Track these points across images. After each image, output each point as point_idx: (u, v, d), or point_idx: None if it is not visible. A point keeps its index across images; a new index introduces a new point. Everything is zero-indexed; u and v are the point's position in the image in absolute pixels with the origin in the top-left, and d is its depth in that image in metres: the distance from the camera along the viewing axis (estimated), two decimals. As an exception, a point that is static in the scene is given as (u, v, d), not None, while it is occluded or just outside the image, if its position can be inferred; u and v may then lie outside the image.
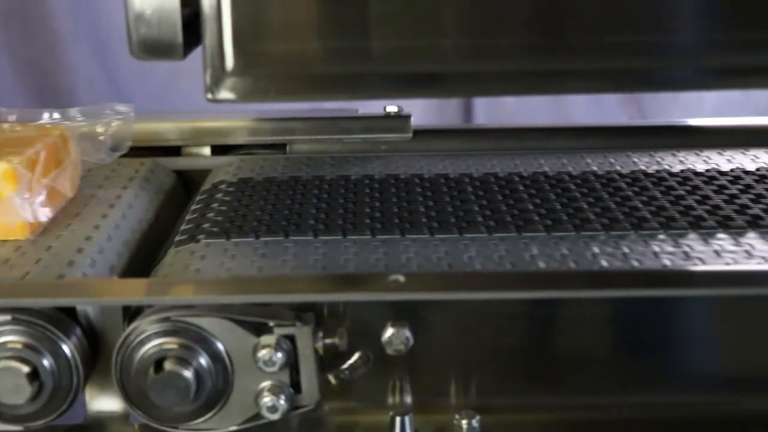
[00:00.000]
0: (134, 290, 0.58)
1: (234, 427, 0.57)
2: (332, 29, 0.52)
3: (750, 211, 0.70)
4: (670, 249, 0.63)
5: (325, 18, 0.52)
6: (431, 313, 0.58)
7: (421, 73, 0.55)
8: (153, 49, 0.54)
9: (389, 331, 0.57)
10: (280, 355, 0.55)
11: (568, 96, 1.99)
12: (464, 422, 0.57)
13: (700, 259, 0.61)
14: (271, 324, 0.56)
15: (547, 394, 0.59)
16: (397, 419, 0.57)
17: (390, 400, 0.59)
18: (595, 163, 0.83)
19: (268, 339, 0.55)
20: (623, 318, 0.59)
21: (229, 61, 0.51)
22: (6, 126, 0.77)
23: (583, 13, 0.53)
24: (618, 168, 0.81)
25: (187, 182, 0.86)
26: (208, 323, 0.55)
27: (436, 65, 0.55)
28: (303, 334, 0.56)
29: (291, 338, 0.56)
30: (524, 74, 0.55)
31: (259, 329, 0.56)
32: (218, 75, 0.53)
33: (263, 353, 0.55)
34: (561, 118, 1.99)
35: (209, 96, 0.54)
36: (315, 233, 0.68)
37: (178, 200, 0.83)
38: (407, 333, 0.57)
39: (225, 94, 0.53)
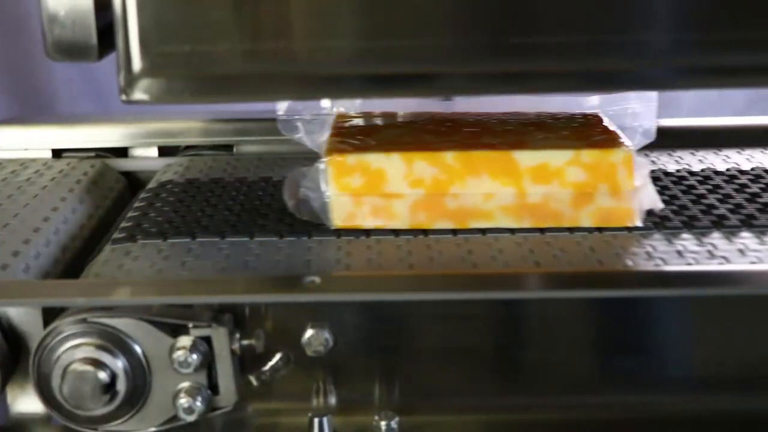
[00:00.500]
0: (51, 291, 0.58)
1: (153, 429, 0.57)
2: (243, 30, 0.52)
3: (716, 212, 0.70)
4: (635, 250, 0.63)
5: (235, 19, 0.52)
6: (352, 315, 0.57)
7: (337, 74, 0.55)
8: (68, 50, 0.54)
9: (308, 333, 0.57)
10: (195, 356, 0.55)
11: (544, 98, 1.99)
12: (383, 423, 0.57)
13: (662, 259, 0.62)
14: (189, 325, 0.56)
15: (468, 395, 0.59)
16: (315, 420, 0.57)
17: (312, 401, 0.59)
18: None
19: (183, 340, 0.55)
20: (543, 319, 0.59)
21: (137, 63, 0.51)
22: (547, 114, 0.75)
23: (553, 13, 0.53)
24: None
25: (135, 183, 0.86)
26: (125, 324, 0.55)
27: (354, 66, 0.55)
28: (219, 335, 0.56)
29: (208, 340, 0.56)
30: (484, 75, 0.55)
31: (177, 331, 0.56)
32: (130, 77, 0.53)
33: (178, 354, 0.55)
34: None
35: (123, 98, 0.54)
36: (251, 234, 0.68)
37: (125, 205, 0.83)
38: (327, 334, 0.57)
39: (139, 95, 0.53)
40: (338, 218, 0.67)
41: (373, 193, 0.66)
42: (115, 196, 0.83)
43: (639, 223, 0.66)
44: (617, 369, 0.59)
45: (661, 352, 0.58)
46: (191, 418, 0.56)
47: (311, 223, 0.69)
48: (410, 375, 0.58)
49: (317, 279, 0.56)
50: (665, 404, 0.59)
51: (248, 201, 0.75)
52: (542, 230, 0.67)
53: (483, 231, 0.67)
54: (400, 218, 0.67)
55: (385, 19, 0.52)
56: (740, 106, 1.79)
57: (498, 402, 0.59)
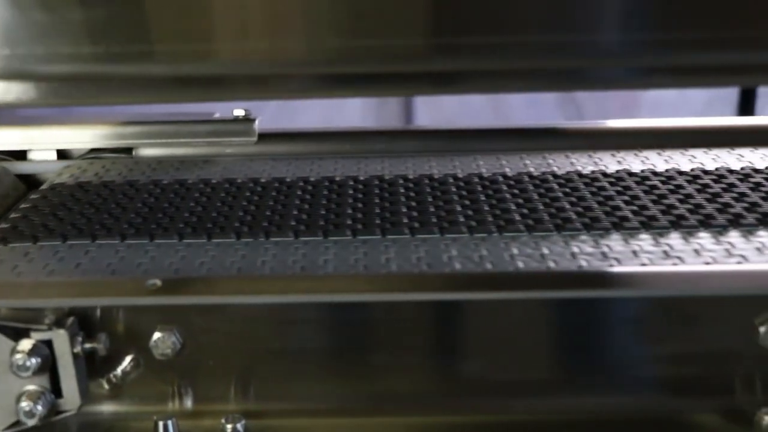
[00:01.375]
0: None
1: (-2, 433, 0.57)
2: (96, 34, 0.52)
3: (675, 212, 0.69)
4: (589, 250, 0.63)
5: (90, 22, 0.52)
6: (199, 318, 0.57)
7: (197, 75, 0.55)
8: None
9: (156, 336, 0.57)
10: (34, 360, 0.55)
11: (507, 97, 1.99)
12: (229, 426, 0.56)
13: (617, 259, 0.61)
14: (30, 329, 0.55)
15: (316, 398, 0.58)
16: (161, 423, 0.56)
17: (162, 404, 0.59)
18: (508, 164, 0.83)
19: (23, 344, 0.55)
20: (408, 320, 0.59)
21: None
22: None
23: (514, 13, 0.53)
24: (554, 169, 0.81)
25: (35, 186, 0.86)
26: (-34, 328, 0.55)
27: (214, 68, 0.55)
28: (60, 338, 0.55)
29: (49, 343, 0.55)
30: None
31: (21, 334, 0.56)
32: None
33: (17, 358, 0.55)
34: (501, 118, 1.99)
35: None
36: (123, 237, 0.68)
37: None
38: (174, 337, 0.57)
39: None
40: None
41: None
42: (9, 203, 0.82)
43: None
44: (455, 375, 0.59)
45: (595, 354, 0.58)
46: (32, 422, 0.56)
47: (186, 227, 0.69)
48: (257, 378, 0.58)
49: (158, 282, 0.56)
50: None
51: (132, 204, 0.75)
52: None
53: None
54: None
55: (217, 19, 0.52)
56: (699, 107, 1.79)
57: (347, 404, 0.58)
